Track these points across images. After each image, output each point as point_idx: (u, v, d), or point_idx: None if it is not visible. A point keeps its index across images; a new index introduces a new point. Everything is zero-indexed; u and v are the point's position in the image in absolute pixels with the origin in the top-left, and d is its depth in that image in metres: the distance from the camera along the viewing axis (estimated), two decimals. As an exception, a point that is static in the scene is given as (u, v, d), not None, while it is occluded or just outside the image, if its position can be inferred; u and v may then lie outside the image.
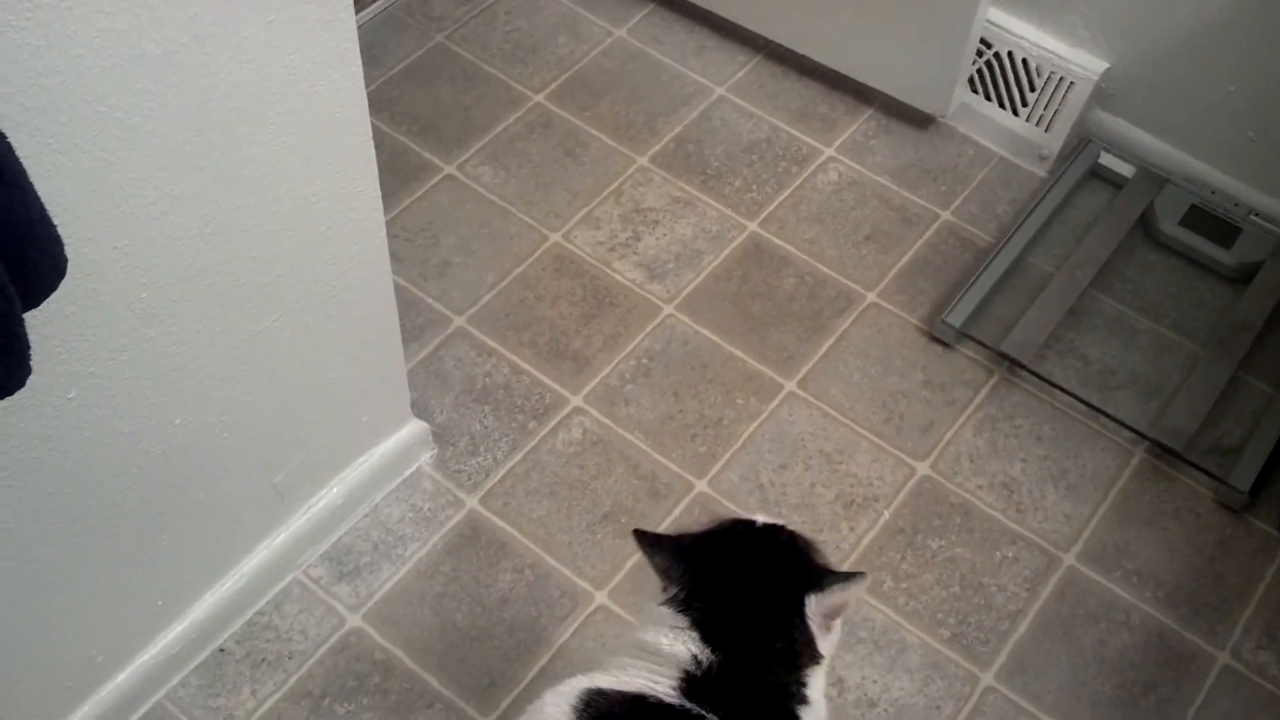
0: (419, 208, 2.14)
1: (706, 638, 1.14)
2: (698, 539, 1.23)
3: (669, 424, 1.92)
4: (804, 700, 1.16)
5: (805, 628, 1.18)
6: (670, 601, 1.17)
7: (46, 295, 0.93)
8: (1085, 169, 2.21)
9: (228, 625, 1.69)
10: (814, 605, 1.17)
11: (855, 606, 1.75)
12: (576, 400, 1.94)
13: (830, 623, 1.19)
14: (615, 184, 2.20)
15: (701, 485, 1.86)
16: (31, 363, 0.89)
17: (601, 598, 1.75)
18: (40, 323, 1.11)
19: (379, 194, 1.42)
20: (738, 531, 1.25)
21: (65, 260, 0.93)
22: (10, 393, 0.88)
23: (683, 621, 1.15)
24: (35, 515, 1.27)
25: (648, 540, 1.19)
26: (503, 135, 2.24)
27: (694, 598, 1.17)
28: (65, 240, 0.92)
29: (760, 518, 1.27)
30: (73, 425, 1.23)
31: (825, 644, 1.19)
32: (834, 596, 1.18)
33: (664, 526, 1.81)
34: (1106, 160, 2.21)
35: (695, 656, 1.13)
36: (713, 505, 1.84)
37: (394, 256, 1.55)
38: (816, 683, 1.18)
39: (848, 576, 1.18)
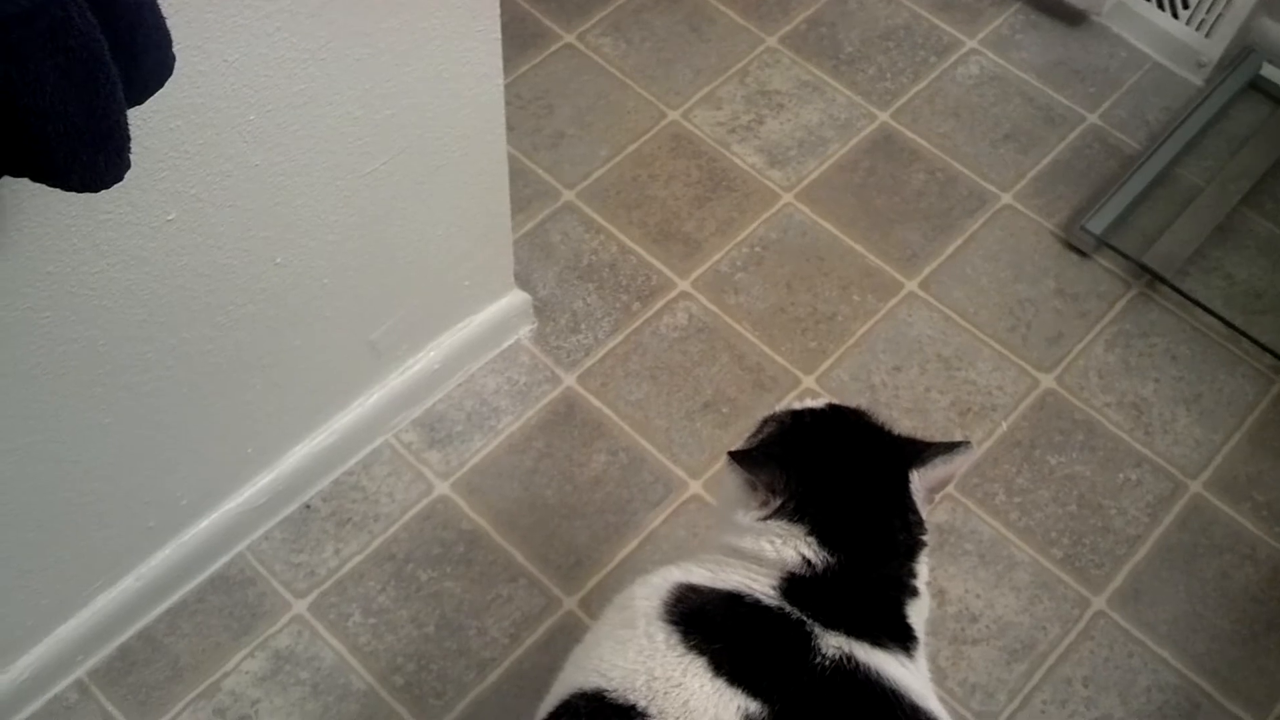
0: (535, 75, 2.06)
1: (825, 540, 1.06)
2: (784, 442, 1.14)
3: (779, 316, 1.84)
4: (914, 592, 1.09)
5: (915, 508, 1.11)
6: (779, 512, 1.08)
7: (152, 92, 0.88)
8: (1245, 80, 2.06)
9: (315, 482, 1.65)
10: (918, 481, 1.11)
11: (965, 517, 1.67)
12: (684, 284, 1.86)
13: (933, 495, 1.13)
14: (741, 63, 2.09)
15: (809, 381, 1.78)
16: (131, 156, 0.83)
17: (696, 487, 1.69)
18: (144, 134, 1.05)
19: (499, 37, 1.34)
20: (813, 423, 1.16)
21: (173, 58, 0.88)
22: (108, 184, 0.82)
23: (798, 529, 1.07)
24: (127, 341, 1.23)
25: (750, 460, 1.10)
26: (627, 6, 2.14)
27: (806, 503, 1.08)
28: (175, 46, 0.87)
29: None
30: (170, 250, 1.18)
31: (927, 519, 1.12)
32: (938, 470, 1.11)
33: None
34: (1269, 72, 2.07)
35: (808, 559, 1.05)
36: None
37: (506, 124, 1.47)
38: (923, 571, 1.11)
39: (950, 447, 1.11)
